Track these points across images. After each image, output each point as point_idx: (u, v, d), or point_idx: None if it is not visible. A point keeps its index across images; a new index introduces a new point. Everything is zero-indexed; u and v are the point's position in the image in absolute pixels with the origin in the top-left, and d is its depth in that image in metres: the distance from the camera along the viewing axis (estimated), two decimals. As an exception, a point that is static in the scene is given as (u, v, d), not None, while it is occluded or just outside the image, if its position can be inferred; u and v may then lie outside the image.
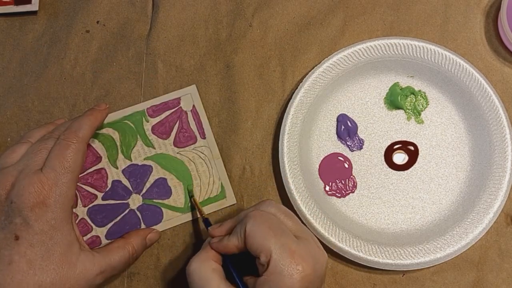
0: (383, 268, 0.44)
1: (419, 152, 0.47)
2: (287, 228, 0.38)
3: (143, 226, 0.46)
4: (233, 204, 0.47)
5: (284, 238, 0.37)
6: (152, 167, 0.47)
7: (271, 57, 0.49)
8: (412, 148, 0.47)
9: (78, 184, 0.46)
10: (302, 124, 0.46)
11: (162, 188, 0.47)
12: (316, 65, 0.47)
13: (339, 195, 0.47)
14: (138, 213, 0.46)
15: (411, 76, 0.48)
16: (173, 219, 0.46)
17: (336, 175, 0.47)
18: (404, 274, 0.45)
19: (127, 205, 0.47)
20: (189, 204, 0.47)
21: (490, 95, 0.46)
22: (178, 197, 0.47)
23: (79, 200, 0.46)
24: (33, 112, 0.49)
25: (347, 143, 0.47)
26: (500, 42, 0.49)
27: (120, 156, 0.47)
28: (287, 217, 0.40)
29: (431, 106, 0.48)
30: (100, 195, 0.47)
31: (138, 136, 0.47)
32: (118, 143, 0.47)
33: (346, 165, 0.47)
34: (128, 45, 0.50)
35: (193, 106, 0.48)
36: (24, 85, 0.49)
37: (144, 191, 0.47)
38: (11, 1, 0.50)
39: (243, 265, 0.39)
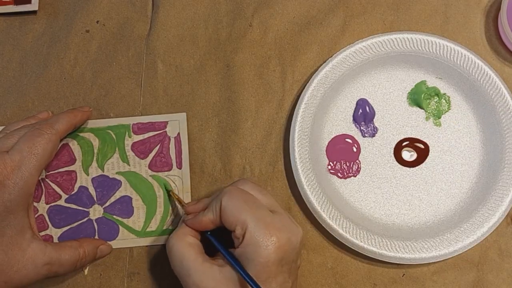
0: (367, 255, 0.44)
1: (429, 154, 0.47)
2: (262, 203, 0.39)
3: (96, 238, 0.46)
4: None
5: (259, 211, 0.38)
6: (121, 182, 0.47)
7: (271, 57, 0.49)
8: (422, 147, 0.47)
9: (46, 180, 0.46)
10: (321, 98, 0.47)
11: (125, 207, 0.46)
12: (347, 45, 0.47)
13: (341, 175, 0.47)
14: (95, 224, 0.46)
15: (439, 78, 0.48)
16: (128, 240, 0.46)
17: (343, 156, 0.47)
18: (404, 274, 0.46)
19: (87, 213, 0.46)
20: (146, 230, 0.46)
21: None
22: (138, 220, 0.46)
23: (43, 196, 0.46)
24: (33, 112, 0.49)
25: (361, 127, 0.48)
26: (500, 42, 0.49)
27: (94, 164, 0.47)
28: (262, 193, 0.41)
29: (452, 111, 0.48)
30: (64, 196, 0.46)
31: (117, 149, 0.47)
32: (95, 151, 0.47)
33: (355, 149, 0.47)
34: (128, 45, 0.50)
35: (178, 133, 0.47)
36: (24, 85, 0.49)
37: (107, 204, 0.46)
38: (10, 1, 0.49)
39: (221, 241, 0.40)
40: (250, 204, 0.38)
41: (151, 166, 0.47)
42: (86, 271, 0.46)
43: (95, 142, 0.47)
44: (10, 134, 0.41)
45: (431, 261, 0.44)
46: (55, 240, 0.46)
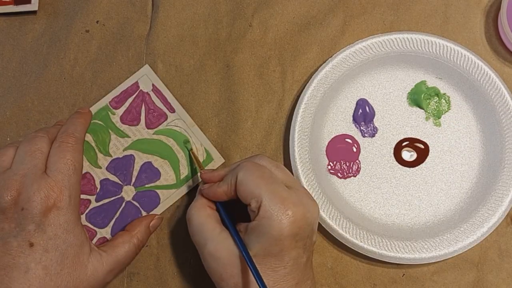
0: (367, 255, 0.44)
1: (429, 154, 0.47)
2: (278, 179, 0.39)
3: (144, 213, 0.46)
4: (223, 163, 0.47)
5: (275, 185, 0.38)
6: (133, 155, 0.47)
7: (271, 57, 0.49)
8: (422, 147, 0.47)
9: None
10: (321, 98, 0.47)
11: (150, 172, 0.47)
12: (347, 45, 0.47)
13: (341, 175, 0.47)
14: (135, 203, 0.47)
15: (439, 78, 0.48)
16: (170, 197, 0.47)
17: (343, 156, 0.47)
18: (404, 274, 0.46)
19: (122, 199, 0.47)
20: (181, 177, 0.47)
21: None
22: (168, 175, 0.47)
23: None
24: (33, 112, 0.49)
25: (361, 128, 0.48)
26: (500, 42, 0.49)
27: (100, 155, 0.47)
28: (278, 169, 0.40)
29: (452, 111, 0.48)
30: (92, 198, 0.46)
31: (110, 131, 0.48)
32: (93, 144, 0.47)
33: (354, 149, 0.47)
34: (128, 45, 0.50)
35: (153, 85, 0.48)
36: (24, 85, 0.49)
37: (133, 180, 0.47)
38: (10, 1, 0.49)
39: (236, 214, 0.40)
40: (266, 179, 0.38)
41: (148, 126, 0.48)
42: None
43: (88, 137, 0.47)
44: (29, 151, 0.40)
45: (431, 261, 0.44)
46: (109, 238, 0.46)
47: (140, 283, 0.46)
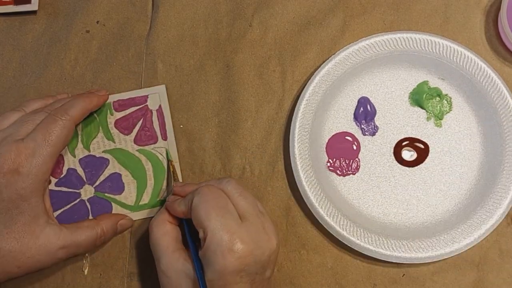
0: (363, 252, 0.44)
1: (429, 154, 0.47)
2: (234, 210, 0.38)
3: (91, 218, 0.46)
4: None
5: (225, 218, 0.37)
6: (109, 160, 0.47)
7: (271, 57, 0.49)
8: (422, 147, 0.47)
9: None
10: (323, 95, 0.47)
11: (116, 183, 0.47)
12: (351, 43, 0.47)
13: (340, 173, 0.47)
14: (88, 204, 0.46)
15: (441, 78, 0.48)
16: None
17: (342, 153, 0.47)
18: (404, 274, 0.45)
19: (79, 195, 0.47)
20: (140, 203, 0.46)
21: None
22: (130, 195, 0.47)
23: None
24: (33, 112, 0.49)
25: (362, 126, 0.48)
26: (500, 42, 0.48)
27: (79, 145, 0.47)
28: (241, 196, 0.39)
29: (454, 112, 0.48)
30: (54, 180, 0.46)
31: (100, 128, 0.47)
32: (79, 132, 0.47)
33: (354, 147, 0.47)
34: (128, 45, 0.50)
35: (160, 106, 0.48)
36: (24, 85, 0.49)
37: (97, 183, 0.47)
38: (10, 1, 0.50)
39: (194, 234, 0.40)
40: (218, 210, 0.37)
41: (136, 141, 0.47)
42: (86, 271, 0.46)
43: (78, 126, 0.47)
44: (25, 120, 0.41)
45: (427, 261, 0.44)
46: None
47: (140, 283, 0.46)
